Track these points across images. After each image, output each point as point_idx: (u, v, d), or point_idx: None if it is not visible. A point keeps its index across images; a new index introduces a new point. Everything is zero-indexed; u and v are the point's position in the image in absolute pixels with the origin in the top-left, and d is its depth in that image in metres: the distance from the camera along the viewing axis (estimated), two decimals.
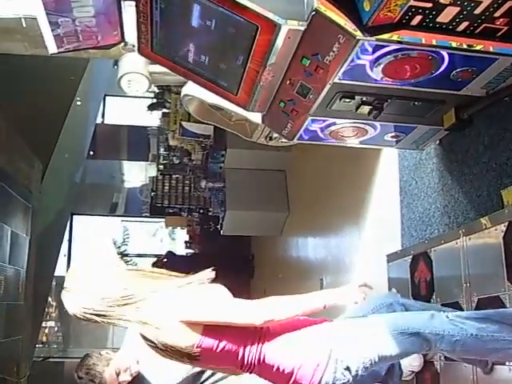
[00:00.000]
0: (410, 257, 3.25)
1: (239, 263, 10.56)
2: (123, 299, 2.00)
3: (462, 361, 2.59)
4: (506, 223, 2.40)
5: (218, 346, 2.05)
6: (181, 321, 1.99)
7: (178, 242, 14.38)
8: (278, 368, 2.07)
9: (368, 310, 2.36)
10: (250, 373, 2.12)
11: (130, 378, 2.93)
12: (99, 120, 13.98)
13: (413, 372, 3.10)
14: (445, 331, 2.11)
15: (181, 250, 12.47)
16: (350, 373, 2.04)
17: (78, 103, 9.12)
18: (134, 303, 2.01)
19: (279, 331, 2.09)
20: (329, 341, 2.08)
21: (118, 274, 2.08)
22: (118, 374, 2.87)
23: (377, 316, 2.24)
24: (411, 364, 3.08)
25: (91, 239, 14.02)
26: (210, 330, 2.02)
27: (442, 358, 2.83)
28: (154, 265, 11.00)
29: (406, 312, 2.38)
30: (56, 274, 9.96)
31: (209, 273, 2.13)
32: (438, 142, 3.39)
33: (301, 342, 2.09)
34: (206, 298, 2.03)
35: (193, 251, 11.60)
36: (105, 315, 2.01)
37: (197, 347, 2.03)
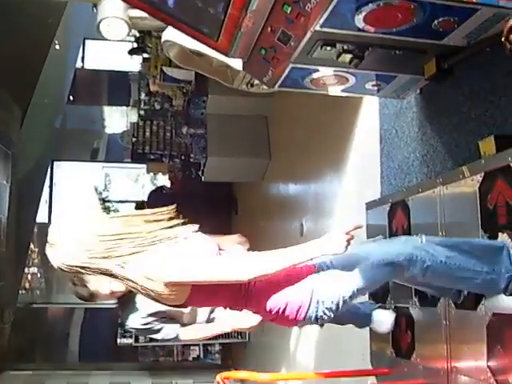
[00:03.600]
0: (389, 205, 3.29)
1: (220, 209, 10.60)
2: (107, 251, 1.99)
3: (438, 294, 2.67)
4: (482, 173, 2.44)
5: (205, 300, 2.18)
6: (167, 282, 2.00)
7: (158, 185, 14.34)
8: (265, 308, 2.17)
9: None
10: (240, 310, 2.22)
11: (123, 288, 2.92)
12: (79, 65, 13.72)
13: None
14: (417, 257, 2.18)
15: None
16: (331, 310, 2.15)
17: (57, 47, 8.93)
18: (119, 257, 2.00)
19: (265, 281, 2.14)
20: (310, 284, 2.15)
21: (101, 224, 2.06)
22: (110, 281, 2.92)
23: (354, 252, 2.27)
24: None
25: (72, 185, 13.96)
26: (197, 288, 2.05)
27: (417, 303, 2.91)
28: (136, 209, 11.06)
29: (379, 243, 2.42)
30: (37, 220, 9.95)
31: (193, 227, 2.14)
32: (418, 91, 3.40)
33: (285, 288, 2.15)
34: (193, 257, 2.03)
35: (175, 191, 11.55)
36: (89, 267, 2.01)
37: (184, 304, 2.11)
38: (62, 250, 2.01)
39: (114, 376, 10.22)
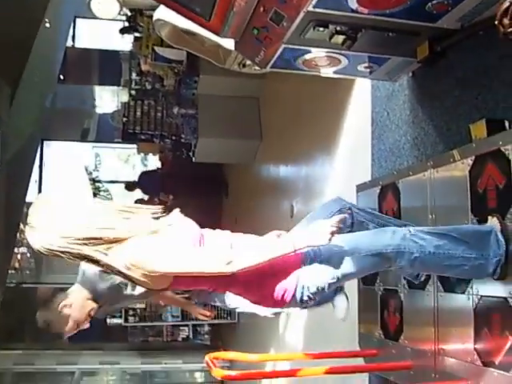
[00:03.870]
0: (379, 187, 3.29)
1: (210, 191, 10.59)
2: (88, 240, 1.96)
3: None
4: (473, 157, 2.44)
5: (189, 284, 2.16)
6: (150, 272, 1.98)
7: (150, 168, 14.30)
8: (249, 292, 2.19)
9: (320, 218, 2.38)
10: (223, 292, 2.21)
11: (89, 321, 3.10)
12: (69, 43, 13.57)
13: None
14: (405, 248, 2.19)
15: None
16: (316, 294, 2.17)
17: (47, 25, 8.80)
18: (100, 245, 1.97)
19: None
20: (296, 270, 2.15)
21: (83, 210, 2.02)
22: (78, 326, 3.07)
23: (340, 239, 2.24)
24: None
25: (62, 165, 13.87)
26: (179, 277, 2.04)
27: (406, 286, 2.92)
28: (126, 188, 11.05)
29: (367, 232, 2.42)
30: (27, 200, 9.89)
31: (176, 214, 2.13)
32: (410, 74, 3.39)
33: (270, 277, 2.14)
34: (175, 249, 2.00)
35: (166, 172, 11.52)
36: (70, 252, 1.97)
37: (167, 288, 2.11)
38: (40, 234, 1.97)
39: (103, 356, 10.25)
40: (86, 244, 1.96)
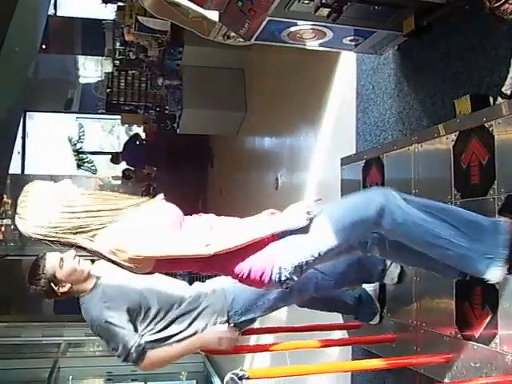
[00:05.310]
0: (363, 161, 3.29)
1: (196, 162, 10.56)
2: (75, 229, 2.02)
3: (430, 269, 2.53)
4: (457, 133, 2.44)
5: (174, 266, 2.17)
6: (130, 258, 2.02)
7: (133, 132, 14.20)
8: (231, 271, 2.15)
9: None
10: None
11: (77, 267, 2.68)
12: (51, 12, 13.34)
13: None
14: (389, 210, 2.07)
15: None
16: (295, 273, 2.11)
17: None
18: (87, 233, 2.02)
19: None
20: (272, 251, 2.11)
21: (70, 202, 2.05)
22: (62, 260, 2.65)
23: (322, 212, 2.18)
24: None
25: (46, 136, 13.76)
26: (162, 260, 2.08)
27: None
28: (112, 160, 11.00)
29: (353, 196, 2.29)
30: (10, 172, 9.81)
31: (159, 196, 2.15)
32: (396, 47, 3.37)
33: (247, 254, 2.12)
34: (155, 233, 2.03)
35: (151, 143, 11.45)
36: (58, 241, 2.04)
37: (151, 272, 2.14)
38: (29, 224, 2.03)
39: (88, 328, 10.27)
40: (73, 233, 2.02)
